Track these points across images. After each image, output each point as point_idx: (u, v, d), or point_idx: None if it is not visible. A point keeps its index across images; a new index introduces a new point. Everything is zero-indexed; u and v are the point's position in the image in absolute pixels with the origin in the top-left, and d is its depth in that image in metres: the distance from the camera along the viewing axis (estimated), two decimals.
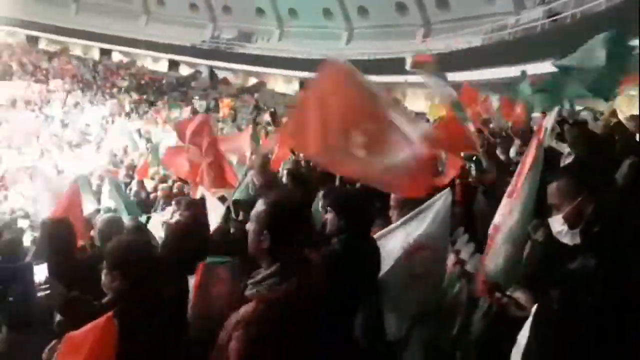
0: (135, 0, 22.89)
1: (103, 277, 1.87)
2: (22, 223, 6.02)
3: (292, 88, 20.48)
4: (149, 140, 13.06)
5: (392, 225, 2.24)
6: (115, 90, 20.45)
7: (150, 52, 22.87)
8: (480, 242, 2.88)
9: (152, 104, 18.76)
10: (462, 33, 14.55)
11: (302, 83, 19.61)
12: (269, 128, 11.39)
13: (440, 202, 2.13)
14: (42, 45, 24.58)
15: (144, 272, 1.82)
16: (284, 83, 21.01)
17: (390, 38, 17.67)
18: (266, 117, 13.51)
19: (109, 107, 17.58)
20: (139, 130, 13.40)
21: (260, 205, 1.58)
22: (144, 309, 1.72)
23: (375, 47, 17.42)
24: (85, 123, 15.71)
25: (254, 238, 1.57)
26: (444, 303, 2.34)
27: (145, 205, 5.98)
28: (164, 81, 21.90)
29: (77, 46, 24.27)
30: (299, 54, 19.05)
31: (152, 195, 6.38)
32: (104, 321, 1.44)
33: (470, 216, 3.21)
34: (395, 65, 14.44)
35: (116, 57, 23.91)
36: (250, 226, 1.59)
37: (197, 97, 19.53)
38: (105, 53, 23.94)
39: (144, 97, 19.66)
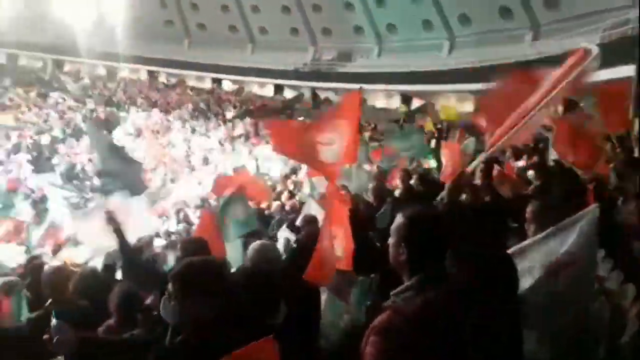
0: (242, 30, 24.38)
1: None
2: (158, 242, 6.63)
3: (394, 103, 20.49)
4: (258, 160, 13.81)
5: (529, 241, 2.15)
6: (227, 115, 21.92)
7: (257, 79, 24.20)
8: (619, 258, 2.67)
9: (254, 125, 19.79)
10: (577, 32, 13.61)
11: (406, 98, 19.57)
12: (372, 144, 11.51)
13: (587, 217, 2.01)
14: (161, 79, 27.01)
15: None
16: (384, 98, 21.08)
17: (495, 44, 17.05)
18: (368, 133, 13.72)
19: (223, 132, 18.90)
20: (250, 152, 14.22)
21: (399, 219, 1.65)
22: (303, 328, 1.82)
23: (479, 54, 16.90)
24: (203, 148, 17.00)
25: (393, 251, 1.64)
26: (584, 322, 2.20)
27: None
28: (270, 105, 23.00)
29: (191, 77, 26.34)
30: (399, 68, 19.05)
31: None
32: (265, 343, 1.54)
33: (608, 229, 3.00)
34: (502, 72, 13.83)
35: (226, 85, 25.57)
36: (390, 239, 1.67)
37: (301, 118, 20.24)
38: (217, 82, 25.71)
39: (253, 120, 20.77)
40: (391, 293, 1.59)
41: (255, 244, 2.95)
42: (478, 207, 3.71)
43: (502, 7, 17.08)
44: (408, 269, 1.60)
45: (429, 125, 13.75)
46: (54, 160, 18.43)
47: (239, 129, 18.96)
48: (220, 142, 17.89)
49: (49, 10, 21.88)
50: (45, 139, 20.00)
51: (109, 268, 4.29)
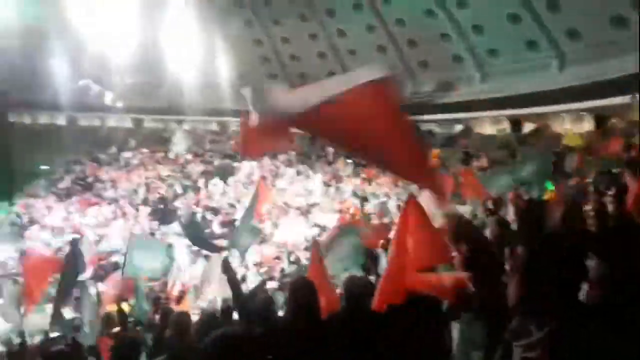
0: (341, 73, 25.13)
1: None
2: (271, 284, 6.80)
3: (501, 128, 19.58)
4: (364, 199, 13.82)
5: None
6: (330, 157, 22.47)
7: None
8: None
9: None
10: None
11: (515, 122, 18.56)
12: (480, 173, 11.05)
13: None
14: None
15: None
16: (491, 125, 20.21)
17: (609, 57, 15.69)
18: (479, 162, 13.18)
19: (328, 172, 19.38)
20: (355, 193, 14.30)
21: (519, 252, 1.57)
22: None
23: (592, 70, 15.68)
24: (308, 190, 17.49)
25: (513, 289, 1.53)
26: None
27: None
28: None
29: None
30: (504, 93, 18.26)
31: None
32: None
33: None
34: (620, 86, 12.74)
35: None
36: (514, 276, 1.57)
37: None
38: None
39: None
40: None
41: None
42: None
43: (613, 18, 15.72)
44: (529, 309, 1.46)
45: (573, 139, 12.95)
46: (179, 212, 20.05)
47: (345, 169, 19.26)
48: (325, 183, 18.28)
49: (164, 76, 24.29)
50: (169, 192, 21.86)
51: (226, 312, 4.48)
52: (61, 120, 28.29)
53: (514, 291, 1.59)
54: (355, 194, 16.13)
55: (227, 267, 3.81)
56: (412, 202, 3.62)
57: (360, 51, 23.79)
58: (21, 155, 25.38)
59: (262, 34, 25.11)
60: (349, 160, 20.30)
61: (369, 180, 16.74)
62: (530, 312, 1.52)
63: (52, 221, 19.20)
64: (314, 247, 4.77)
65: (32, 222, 19.56)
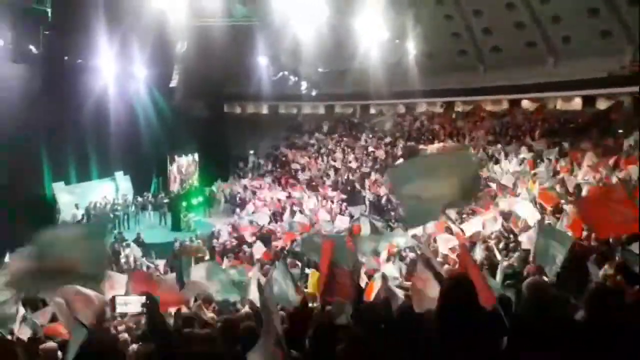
0: (540, 44, 22.58)
1: None
2: None
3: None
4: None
5: None
6: (527, 137, 20.46)
7: (561, 93, 21.91)
8: None
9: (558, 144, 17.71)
10: None
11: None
12: None
13: None
14: (457, 108, 27.18)
15: None
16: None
17: None
18: None
19: (523, 155, 17.65)
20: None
21: None
22: None
23: None
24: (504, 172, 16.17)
25: None
26: None
27: None
28: (579, 120, 20.42)
29: (487, 102, 25.69)
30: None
31: None
32: None
33: None
34: None
35: (526, 104, 23.97)
36: None
37: (620, 131, 17.21)
38: (515, 104, 24.36)
39: (556, 140, 18.74)
40: None
41: None
42: None
43: None
44: None
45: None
46: (364, 193, 20.51)
47: (547, 151, 17.30)
48: (520, 165, 16.68)
49: (353, 62, 24.85)
50: (357, 175, 22.50)
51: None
52: (264, 110, 31.34)
53: None
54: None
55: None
56: None
57: (566, 17, 21.00)
58: (233, 141, 28.96)
59: (453, 10, 23.89)
60: None
61: (574, 166, 14.73)
62: None
63: (257, 200, 21.43)
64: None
65: (242, 200, 22.13)
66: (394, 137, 26.34)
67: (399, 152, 24.04)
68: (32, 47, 15.47)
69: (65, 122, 17.81)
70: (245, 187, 23.35)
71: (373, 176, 21.97)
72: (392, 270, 8.47)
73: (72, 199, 16.59)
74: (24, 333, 5.87)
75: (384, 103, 28.50)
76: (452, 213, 12.08)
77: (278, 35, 23.43)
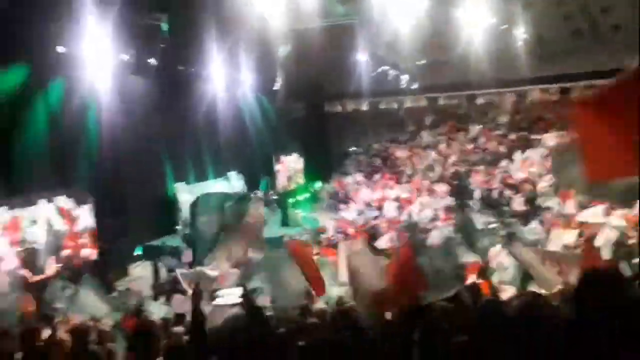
0: None
1: None
2: None
3: None
4: None
5: None
6: None
7: None
8: None
9: None
10: None
11: None
12: None
13: None
14: (574, 93, 25.07)
15: None
16: None
17: None
18: None
19: None
20: None
21: None
22: None
23: None
24: None
25: None
26: None
27: None
28: None
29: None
30: None
31: None
32: None
33: None
34: None
35: None
36: None
37: None
38: None
39: None
40: None
41: None
42: None
43: None
44: None
45: None
46: (473, 188, 19.71)
47: None
48: None
49: (454, 51, 23.94)
50: (464, 168, 21.68)
51: None
52: (364, 106, 31.34)
53: None
54: None
55: None
56: None
57: None
58: (335, 139, 29.37)
59: None
60: None
61: None
62: None
63: (359, 197, 21.52)
64: None
65: (345, 197, 22.37)
66: (505, 127, 25.01)
67: (511, 143, 22.76)
68: (150, 60, 16.85)
69: (182, 127, 19.30)
70: (348, 184, 23.57)
71: (483, 169, 21.01)
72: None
73: (191, 198, 17.87)
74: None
75: (492, 92, 27.15)
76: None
77: (377, 31, 23.32)
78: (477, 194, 19.01)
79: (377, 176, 23.95)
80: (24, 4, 12.08)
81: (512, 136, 23.71)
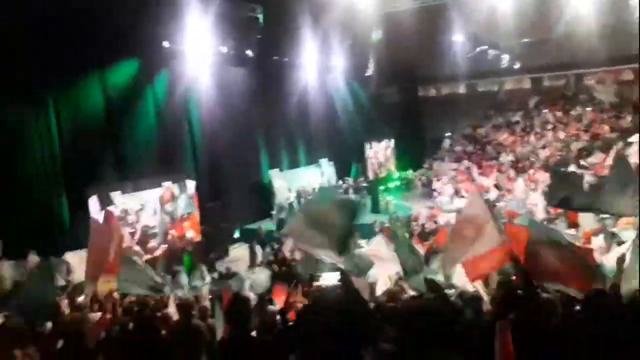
0: None
1: None
2: None
3: None
4: None
5: None
6: None
7: None
8: None
9: None
10: None
11: None
12: None
13: None
14: None
15: None
16: None
17: None
18: None
19: None
20: None
21: None
22: None
23: None
24: None
25: None
26: None
27: None
28: None
29: None
30: None
31: None
32: None
33: None
34: None
35: None
36: None
37: None
38: None
39: None
40: None
41: None
42: None
43: None
44: None
45: None
46: (580, 174, 18.13)
47: None
48: None
49: (559, 29, 22.12)
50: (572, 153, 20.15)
51: None
52: (461, 89, 30.06)
53: None
54: None
55: None
56: None
57: None
58: (429, 124, 28.58)
59: None
60: None
61: None
62: None
63: (455, 183, 20.74)
64: None
65: (439, 184, 21.67)
66: (619, 108, 22.75)
67: (627, 126, 20.65)
68: (248, 52, 17.44)
69: (277, 116, 19.84)
70: (442, 171, 22.83)
71: (594, 155, 19.26)
72: None
73: (285, 184, 18.38)
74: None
75: (603, 70, 24.78)
76: None
77: (473, 9, 22.22)
78: (586, 182, 17.48)
79: (473, 162, 22.91)
80: (134, 2, 12.99)
81: (629, 118, 21.47)
